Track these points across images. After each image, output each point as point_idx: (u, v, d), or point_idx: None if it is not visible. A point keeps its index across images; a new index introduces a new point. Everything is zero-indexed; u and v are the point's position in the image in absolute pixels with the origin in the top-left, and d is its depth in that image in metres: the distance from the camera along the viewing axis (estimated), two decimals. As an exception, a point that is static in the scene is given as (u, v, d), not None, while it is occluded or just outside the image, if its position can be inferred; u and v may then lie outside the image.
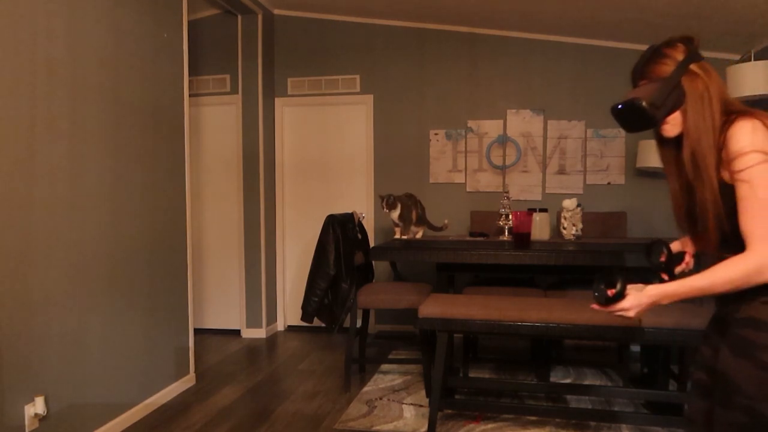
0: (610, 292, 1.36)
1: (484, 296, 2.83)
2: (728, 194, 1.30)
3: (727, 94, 1.36)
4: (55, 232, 2.42)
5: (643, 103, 1.36)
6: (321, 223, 4.85)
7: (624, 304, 1.35)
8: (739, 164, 1.25)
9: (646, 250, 1.61)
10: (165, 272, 3.25)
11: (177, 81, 3.38)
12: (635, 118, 1.40)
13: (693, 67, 1.35)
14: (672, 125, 1.40)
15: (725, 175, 1.31)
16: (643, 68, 1.41)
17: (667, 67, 1.37)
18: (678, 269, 1.60)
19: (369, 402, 3.19)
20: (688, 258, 1.65)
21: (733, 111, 1.32)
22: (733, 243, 1.33)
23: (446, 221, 3.81)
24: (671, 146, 1.46)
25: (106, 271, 2.75)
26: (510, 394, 3.28)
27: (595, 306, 1.41)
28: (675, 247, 1.71)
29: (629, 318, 1.38)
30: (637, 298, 1.35)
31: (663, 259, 1.58)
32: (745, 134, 1.25)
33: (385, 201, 3.45)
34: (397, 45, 4.72)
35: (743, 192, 1.25)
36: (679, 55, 1.36)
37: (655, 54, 1.40)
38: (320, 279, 3.35)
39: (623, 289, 1.35)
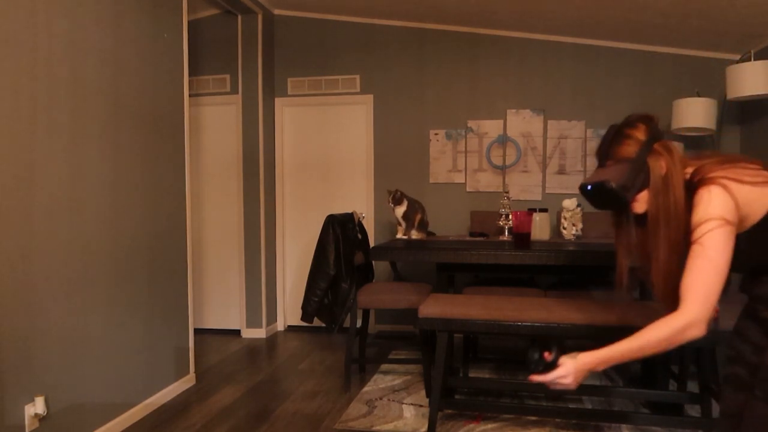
0: (547, 356, 1.37)
1: (484, 296, 2.83)
2: None
3: (687, 162, 1.41)
4: (55, 232, 2.42)
5: (613, 185, 1.41)
6: (321, 223, 4.85)
7: (560, 371, 1.37)
8: (697, 233, 1.30)
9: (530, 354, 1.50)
10: (165, 272, 3.25)
11: (177, 81, 3.38)
12: (606, 199, 1.46)
13: (656, 146, 1.41)
14: (641, 203, 1.45)
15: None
16: (607, 149, 1.48)
17: (630, 148, 1.42)
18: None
19: (369, 402, 3.19)
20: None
21: (695, 178, 1.36)
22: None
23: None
24: (629, 224, 1.52)
25: (106, 271, 2.75)
26: (510, 394, 3.28)
27: (532, 377, 1.41)
28: None
29: (567, 386, 1.38)
30: (572, 366, 1.37)
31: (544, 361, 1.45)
32: (701, 205, 1.30)
33: (393, 196, 3.46)
34: (397, 45, 4.72)
35: (694, 251, 1.29)
36: (641, 135, 1.42)
37: (618, 135, 1.46)
38: (320, 279, 3.35)
39: (557, 357, 1.37)
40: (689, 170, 1.40)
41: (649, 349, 1.31)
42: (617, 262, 1.58)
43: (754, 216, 1.33)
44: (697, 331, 1.26)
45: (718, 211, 1.28)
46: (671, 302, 1.41)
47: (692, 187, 1.36)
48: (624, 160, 1.42)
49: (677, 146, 1.45)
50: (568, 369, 1.36)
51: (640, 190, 1.42)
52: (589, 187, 1.47)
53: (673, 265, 1.39)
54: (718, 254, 1.26)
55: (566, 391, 2.82)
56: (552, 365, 1.37)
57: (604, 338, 2.51)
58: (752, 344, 1.47)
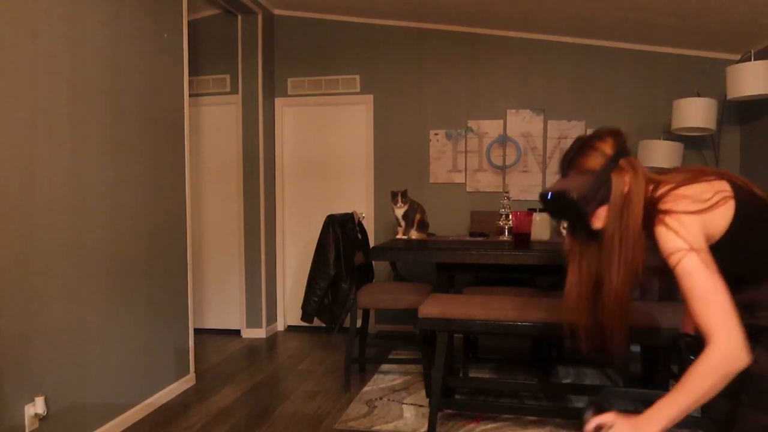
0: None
1: (484, 296, 2.83)
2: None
3: (651, 179, 1.38)
4: (55, 232, 2.42)
5: (574, 196, 1.37)
6: (321, 223, 4.85)
7: (610, 419, 1.30)
8: (671, 263, 1.27)
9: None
10: (165, 272, 3.25)
11: (177, 81, 3.38)
12: (564, 209, 1.42)
13: (621, 162, 1.37)
14: (599, 218, 1.41)
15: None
16: (572, 159, 1.43)
17: (596, 160, 1.38)
18: None
19: (369, 402, 3.19)
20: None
21: (657, 197, 1.34)
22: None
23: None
24: (582, 238, 1.49)
25: (106, 271, 2.75)
26: (510, 394, 3.28)
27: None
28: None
29: None
30: (625, 420, 1.27)
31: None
32: (663, 236, 1.27)
33: (400, 195, 3.47)
34: (397, 45, 4.72)
35: (684, 286, 1.25)
36: (608, 149, 1.38)
37: (585, 146, 1.41)
38: (320, 279, 3.35)
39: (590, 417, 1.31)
40: (651, 187, 1.37)
41: (705, 399, 1.21)
42: (567, 278, 1.53)
43: (716, 234, 1.32)
44: (741, 359, 1.18)
45: (680, 240, 1.25)
46: (619, 325, 1.39)
47: (653, 206, 1.33)
48: (588, 172, 1.38)
49: (642, 164, 1.41)
50: (614, 419, 1.28)
51: (600, 205, 1.38)
52: (549, 196, 1.42)
53: (625, 286, 1.37)
54: (703, 276, 1.22)
55: (566, 391, 2.82)
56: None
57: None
58: None
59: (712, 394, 1.21)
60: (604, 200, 1.37)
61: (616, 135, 1.40)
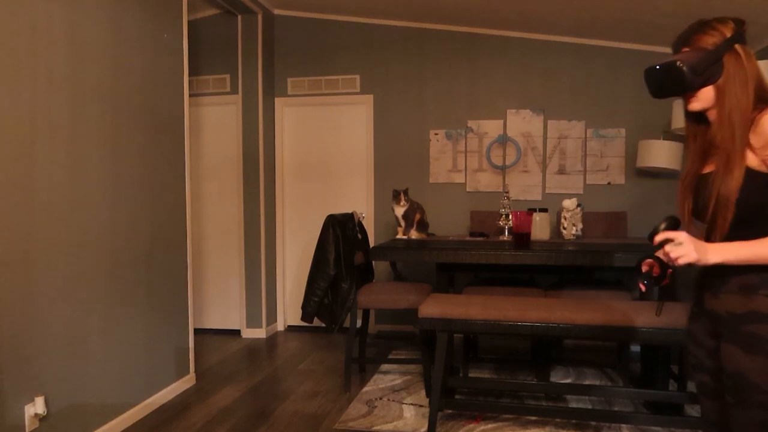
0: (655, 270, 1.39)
1: (484, 296, 2.83)
2: (752, 180, 1.30)
3: (764, 82, 1.36)
4: (55, 232, 2.42)
5: (684, 67, 1.34)
6: (321, 223, 4.85)
7: (680, 235, 1.30)
8: None
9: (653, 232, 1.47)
10: (165, 272, 3.25)
11: (177, 81, 3.38)
12: (671, 81, 1.38)
13: (737, 47, 1.36)
14: (699, 100, 1.39)
15: (752, 161, 1.31)
16: (688, 36, 1.41)
17: (713, 39, 1.36)
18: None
19: (369, 402, 3.19)
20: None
21: (766, 99, 1.33)
22: (743, 230, 1.33)
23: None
24: (699, 123, 1.46)
25: (106, 271, 2.75)
26: (510, 394, 3.28)
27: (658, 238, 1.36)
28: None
29: (684, 253, 1.29)
30: (693, 239, 1.29)
31: (655, 272, 1.47)
32: None
33: (402, 193, 3.47)
34: (397, 45, 4.72)
35: None
36: (728, 32, 1.36)
37: (704, 25, 1.40)
38: (320, 279, 3.34)
39: (666, 229, 1.34)
40: (762, 87, 1.35)
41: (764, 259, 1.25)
42: (686, 168, 1.49)
43: None
44: None
45: None
46: (721, 221, 1.33)
47: (760, 107, 1.31)
48: (701, 49, 1.36)
49: (759, 64, 1.36)
50: (686, 236, 1.29)
51: (705, 84, 1.35)
52: (657, 67, 1.40)
53: (727, 173, 1.32)
54: None
55: (566, 391, 2.81)
56: (660, 279, 1.38)
57: (604, 338, 2.51)
58: (705, 348, 1.47)
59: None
60: (711, 79, 1.35)
61: (738, 22, 1.39)
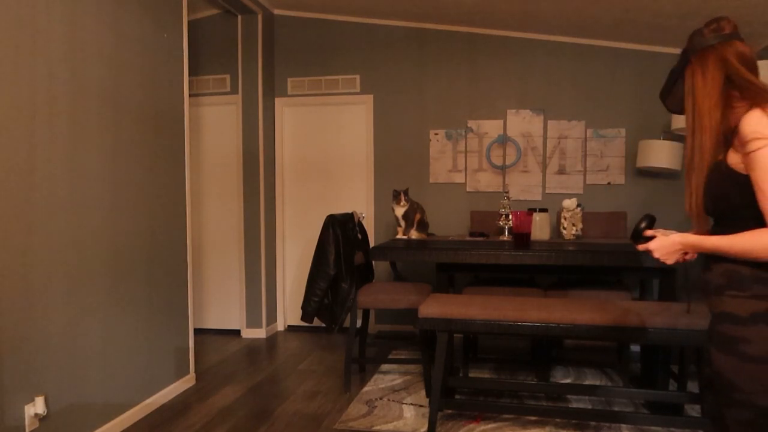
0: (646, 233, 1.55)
1: (484, 296, 2.83)
2: (729, 178, 1.34)
3: (740, 76, 1.37)
4: (55, 232, 2.42)
5: (660, 95, 1.56)
6: (321, 223, 4.85)
7: (650, 244, 1.48)
8: (749, 147, 1.28)
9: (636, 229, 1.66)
10: (165, 272, 3.25)
11: (177, 81, 3.38)
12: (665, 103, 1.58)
13: (694, 58, 1.44)
14: (674, 104, 1.53)
15: (732, 159, 1.34)
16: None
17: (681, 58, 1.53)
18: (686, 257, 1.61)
19: (369, 402, 3.19)
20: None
21: (749, 93, 1.36)
22: (721, 227, 1.40)
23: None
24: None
25: (106, 271, 2.75)
26: (510, 394, 3.28)
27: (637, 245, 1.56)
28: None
29: (660, 258, 1.48)
30: (662, 240, 1.46)
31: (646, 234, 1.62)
32: (756, 118, 1.27)
33: (403, 193, 3.47)
34: (397, 45, 4.72)
35: (755, 176, 1.28)
36: (686, 44, 1.49)
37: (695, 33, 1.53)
38: (320, 279, 3.35)
39: (645, 228, 1.55)
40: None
41: (733, 252, 1.31)
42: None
43: None
44: None
45: (765, 131, 1.26)
46: (694, 219, 1.43)
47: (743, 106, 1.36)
48: (671, 72, 1.50)
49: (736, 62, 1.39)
50: (657, 244, 1.46)
51: (675, 100, 1.50)
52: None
53: (693, 162, 1.41)
54: None
55: (566, 391, 2.82)
56: (640, 233, 1.55)
57: (604, 338, 2.51)
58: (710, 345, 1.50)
59: (740, 255, 1.30)
60: (678, 95, 1.49)
61: (695, 32, 1.46)
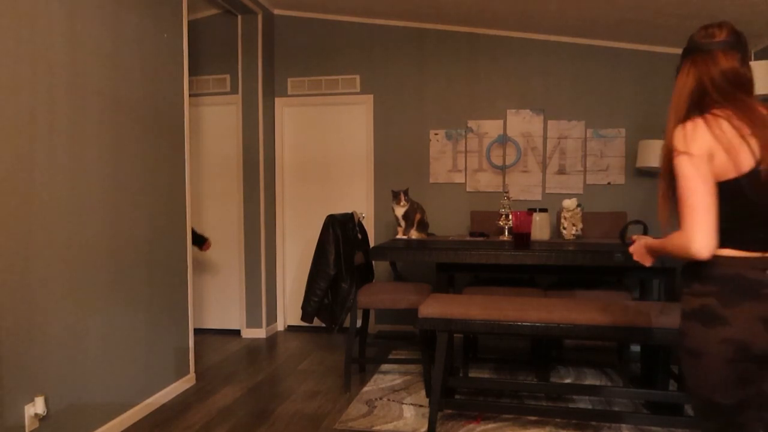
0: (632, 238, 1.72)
1: (484, 296, 2.83)
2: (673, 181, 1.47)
3: (708, 88, 1.48)
4: (55, 232, 2.42)
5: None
6: (321, 223, 4.85)
7: (630, 248, 1.67)
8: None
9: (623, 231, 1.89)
10: (165, 272, 3.25)
11: (177, 81, 3.38)
12: None
13: (686, 60, 1.58)
14: None
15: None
16: None
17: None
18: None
19: (369, 402, 3.19)
20: None
21: (701, 107, 1.48)
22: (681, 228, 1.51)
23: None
24: None
25: (106, 271, 2.75)
26: (510, 394, 3.28)
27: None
28: None
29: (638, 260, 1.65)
30: (636, 244, 1.66)
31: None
32: (675, 137, 1.42)
33: (402, 194, 3.47)
34: (397, 45, 4.72)
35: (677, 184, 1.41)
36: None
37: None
38: (320, 279, 3.35)
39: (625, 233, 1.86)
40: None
41: (666, 253, 1.45)
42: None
43: (724, 176, 1.37)
44: (696, 250, 1.33)
45: (678, 144, 1.39)
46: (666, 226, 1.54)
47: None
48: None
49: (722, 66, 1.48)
50: (634, 247, 1.65)
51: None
52: None
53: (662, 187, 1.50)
54: (687, 178, 1.35)
55: (566, 391, 2.82)
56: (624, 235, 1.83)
57: (604, 338, 2.51)
58: None
59: (671, 254, 1.43)
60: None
61: (691, 35, 1.58)
